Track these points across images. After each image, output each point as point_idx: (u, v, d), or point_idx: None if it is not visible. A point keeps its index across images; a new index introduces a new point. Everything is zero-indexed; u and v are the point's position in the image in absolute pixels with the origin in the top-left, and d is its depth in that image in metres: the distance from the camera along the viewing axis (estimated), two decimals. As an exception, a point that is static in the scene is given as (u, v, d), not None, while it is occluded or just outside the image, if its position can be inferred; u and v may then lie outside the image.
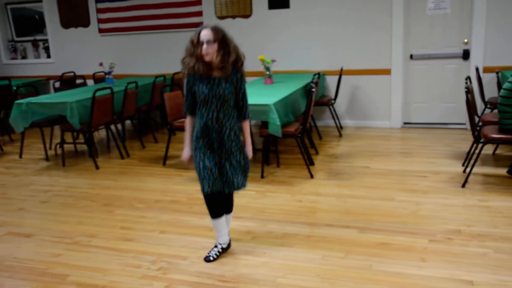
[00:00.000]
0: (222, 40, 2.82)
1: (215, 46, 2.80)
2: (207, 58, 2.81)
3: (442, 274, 2.85)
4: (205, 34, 2.79)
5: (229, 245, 3.27)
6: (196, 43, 2.83)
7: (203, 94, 2.88)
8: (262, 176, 4.79)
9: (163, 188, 4.64)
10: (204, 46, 2.78)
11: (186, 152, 3.11)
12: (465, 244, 3.21)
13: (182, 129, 5.26)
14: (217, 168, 2.96)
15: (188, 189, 4.56)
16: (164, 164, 5.43)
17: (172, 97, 5.41)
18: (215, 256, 3.15)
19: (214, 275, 2.97)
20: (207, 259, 3.14)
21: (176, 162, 5.48)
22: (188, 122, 3.08)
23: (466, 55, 6.25)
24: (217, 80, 2.87)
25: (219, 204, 3.09)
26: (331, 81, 6.79)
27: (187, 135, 3.10)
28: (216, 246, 3.21)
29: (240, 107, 3.01)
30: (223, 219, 3.15)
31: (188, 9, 7.34)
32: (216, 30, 2.82)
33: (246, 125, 3.09)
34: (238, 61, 2.91)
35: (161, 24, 7.53)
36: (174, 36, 7.47)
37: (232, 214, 3.31)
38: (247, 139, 3.11)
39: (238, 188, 3.03)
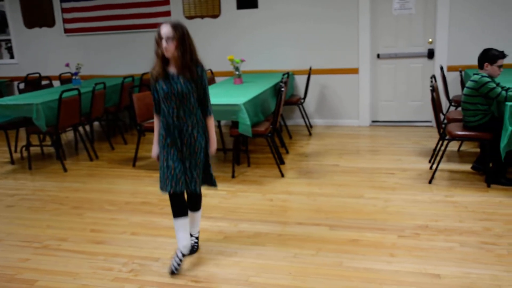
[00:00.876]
0: (181, 37, 2.78)
1: (174, 43, 2.76)
2: (167, 54, 2.79)
3: (410, 268, 2.92)
4: (165, 30, 2.76)
5: (194, 249, 3.21)
6: (158, 40, 2.80)
7: (162, 91, 2.85)
8: (233, 176, 4.80)
9: (133, 190, 4.59)
10: (164, 42, 2.76)
11: (154, 150, 3.07)
12: (432, 238, 3.30)
13: (151, 130, 5.21)
14: (180, 167, 2.92)
15: (159, 190, 4.51)
16: (134, 165, 5.37)
17: (141, 98, 5.36)
18: (177, 266, 3.00)
19: (186, 276, 2.96)
20: (171, 273, 2.99)
21: (146, 163, 5.43)
22: (155, 120, 3.05)
23: (431, 54, 6.41)
24: (176, 77, 2.84)
25: (181, 203, 2.97)
26: (300, 80, 6.86)
27: (155, 134, 3.07)
28: (177, 256, 3.03)
29: (203, 103, 2.96)
30: (185, 220, 2.99)
31: (156, 9, 7.28)
32: (175, 27, 2.78)
33: (210, 121, 3.02)
34: (193, 58, 2.86)
35: (128, 24, 7.45)
36: (142, 36, 7.40)
37: (199, 213, 3.19)
38: (211, 135, 3.04)
39: (199, 189, 2.99)
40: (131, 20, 7.41)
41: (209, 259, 3.17)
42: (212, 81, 6.83)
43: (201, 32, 7.09)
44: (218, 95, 5.04)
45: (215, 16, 7.02)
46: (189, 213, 3.12)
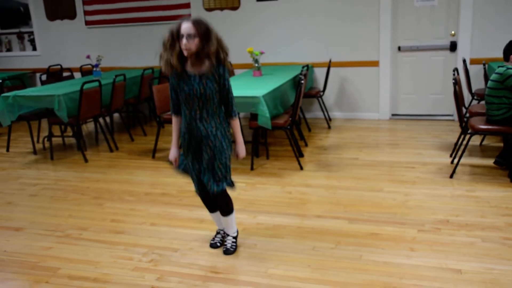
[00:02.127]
0: (204, 34, 2.63)
1: (196, 41, 2.62)
2: (186, 53, 2.64)
3: (430, 263, 2.89)
4: (186, 27, 2.60)
5: (231, 250, 3.17)
6: (176, 37, 2.65)
7: (183, 92, 2.74)
8: (252, 168, 4.80)
9: (152, 181, 4.63)
10: (184, 40, 2.60)
11: (173, 152, 3.00)
12: (453, 233, 3.26)
13: (171, 121, 5.21)
14: (201, 169, 2.89)
15: (178, 181, 4.55)
16: (153, 157, 5.41)
17: (160, 90, 5.39)
18: (220, 242, 3.24)
19: (205, 267, 2.98)
20: (213, 246, 3.22)
21: (165, 154, 5.46)
22: (174, 122, 2.96)
23: (453, 47, 6.30)
24: (198, 77, 2.71)
25: (210, 200, 3.10)
26: (320, 73, 6.81)
27: (174, 135, 2.98)
28: (218, 233, 3.29)
29: (226, 104, 2.84)
30: (217, 213, 3.16)
31: (175, 1, 7.29)
32: (198, 24, 2.62)
33: (235, 123, 2.92)
34: (221, 56, 2.72)
35: (148, 16, 7.47)
36: (162, 28, 7.39)
37: (231, 217, 3.09)
38: (237, 138, 2.95)
39: (217, 191, 2.89)
40: (151, 12, 7.43)
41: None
42: (231, 73, 6.82)
43: (221, 24, 7.08)
44: (238, 87, 5.03)
45: (235, 8, 7.00)
46: (221, 216, 3.13)
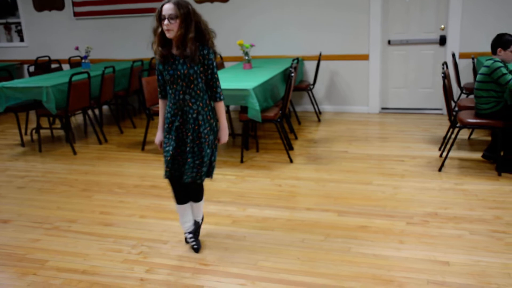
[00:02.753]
0: (185, 16, 2.57)
1: (178, 22, 2.56)
2: (168, 35, 2.59)
3: (419, 255, 2.91)
4: (167, 8, 2.56)
5: (196, 227, 3.13)
6: (158, 19, 2.61)
7: (168, 75, 2.69)
8: (242, 161, 4.80)
9: (142, 173, 4.61)
10: (166, 21, 2.56)
11: (158, 136, 2.94)
12: (441, 226, 3.28)
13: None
14: (179, 153, 2.80)
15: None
16: (142, 149, 5.39)
17: (150, 82, 5.35)
18: (197, 244, 3.08)
19: (195, 259, 2.98)
20: (196, 251, 3.06)
21: (154, 147, 5.44)
22: (160, 105, 2.91)
23: (442, 41, 6.33)
24: (181, 59, 2.66)
25: (181, 190, 2.95)
26: (310, 66, 6.81)
27: (160, 119, 2.93)
28: (188, 238, 3.11)
29: (210, 86, 2.76)
30: (187, 206, 3.03)
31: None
32: (179, 4, 2.57)
33: (220, 107, 2.82)
34: (205, 38, 2.68)
35: (138, 7, 7.40)
36: (151, 20, 7.34)
37: (201, 204, 3.09)
38: (221, 122, 2.86)
39: (197, 179, 2.81)
40: (140, 3, 7.36)
41: (217, 242, 3.18)
42: (221, 66, 6.80)
43: (211, 17, 7.02)
44: (228, 80, 5.01)
45: (225, 0, 6.96)
46: (191, 203, 3.05)
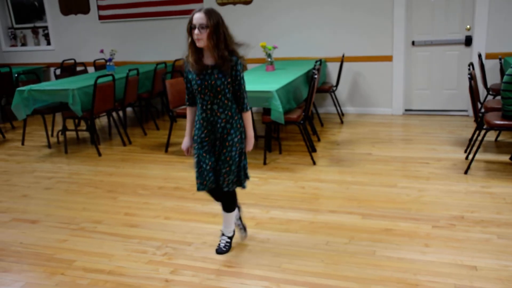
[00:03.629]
0: (215, 26, 2.58)
1: (208, 32, 2.57)
2: (198, 44, 2.60)
3: (445, 259, 2.87)
4: (198, 17, 2.57)
5: (224, 250, 3.11)
6: (189, 28, 2.62)
7: (196, 84, 2.70)
8: (265, 163, 4.80)
9: (165, 175, 4.65)
10: (196, 31, 2.57)
11: (185, 142, 2.97)
12: (468, 230, 3.23)
13: (183, 116, 5.26)
14: (210, 164, 2.81)
15: (191, 175, 4.57)
16: (166, 151, 5.44)
17: (173, 84, 5.40)
18: (225, 248, 3.10)
19: (219, 261, 2.99)
20: (219, 251, 3.08)
21: (178, 149, 5.48)
22: (188, 112, 2.94)
23: (468, 41, 6.22)
24: (210, 69, 2.67)
25: (219, 197, 3.01)
26: (333, 68, 6.78)
27: (187, 126, 2.97)
28: (223, 235, 3.16)
29: (238, 97, 2.77)
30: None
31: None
32: (209, 14, 2.58)
33: (246, 117, 2.84)
34: (233, 48, 2.70)
35: (161, 10, 7.48)
36: (174, 22, 7.43)
37: (232, 214, 3.05)
38: (247, 132, 2.86)
39: (227, 188, 2.85)
40: (164, 6, 7.44)
41: (241, 244, 3.19)
42: (245, 67, 6.81)
43: (234, 19, 7.07)
44: (251, 82, 5.03)
45: (248, 2, 6.98)
46: (222, 212, 3.05)
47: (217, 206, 3.75)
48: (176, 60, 7.11)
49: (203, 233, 3.38)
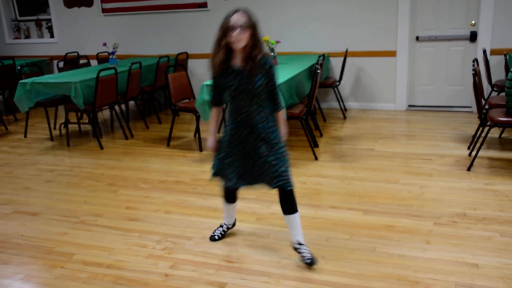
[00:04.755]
0: (255, 26, 2.55)
1: (247, 33, 2.52)
2: (238, 45, 2.53)
3: (446, 256, 2.85)
4: (238, 18, 2.51)
5: (233, 225, 3.27)
6: (225, 29, 2.53)
7: (231, 88, 2.62)
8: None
9: (167, 169, 4.64)
10: (237, 31, 2.49)
11: (211, 141, 2.89)
12: (470, 227, 3.21)
13: (186, 110, 5.25)
14: (247, 164, 2.75)
15: (192, 170, 4.56)
16: (168, 145, 5.43)
17: (176, 78, 5.39)
18: (220, 236, 3.19)
19: (219, 255, 2.99)
20: (212, 238, 3.17)
21: (179, 143, 5.47)
22: (214, 113, 2.87)
23: (473, 37, 6.17)
24: (247, 72, 2.59)
25: (236, 193, 3.04)
26: (336, 62, 6.74)
27: (212, 125, 2.89)
28: (221, 226, 3.23)
29: (273, 97, 2.72)
30: (235, 204, 3.12)
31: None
32: (248, 14, 2.55)
33: (280, 115, 2.80)
34: (263, 50, 2.64)
35: (165, 4, 7.45)
36: (178, 16, 7.40)
37: (298, 217, 2.83)
38: (281, 129, 2.81)
39: (286, 186, 2.71)
40: (167, 0, 7.40)
41: (242, 239, 3.18)
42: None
43: (237, 13, 7.05)
44: (253, 76, 5.00)
45: (251, -4, 6.94)
46: (285, 216, 2.84)
47: (218, 201, 3.76)
48: (179, 54, 7.08)
49: (203, 227, 3.37)
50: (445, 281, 2.60)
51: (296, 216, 2.82)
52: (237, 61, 2.63)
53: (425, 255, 2.88)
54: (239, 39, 2.51)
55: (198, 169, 4.56)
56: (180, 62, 6.97)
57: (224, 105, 2.91)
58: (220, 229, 3.23)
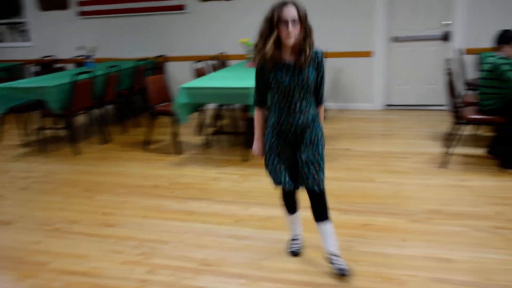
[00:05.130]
0: (305, 18, 2.39)
1: (299, 27, 2.37)
2: (290, 41, 2.37)
3: (422, 252, 2.89)
4: (290, 11, 2.33)
5: (344, 271, 2.72)
6: (276, 22, 2.36)
7: (283, 84, 2.45)
8: (245, 160, 4.78)
9: (144, 173, 4.60)
10: (290, 26, 2.33)
11: (259, 146, 2.72)
12: (445, 223, 3.25)
13: (164, 113, 5.22)
14: (294, 162, 2.60)
15: (170, 173, 4.53)
16: (145, 148, 5.38)
17: (155, 81, 5.35)
18: (298, 248, 2.98)
19: (196, 259, 2.97)
20: (294, 254, 2.95)
21: (157, 146, 5.44)
22: (259, 115, 2.68)
23: (447, 37, 6.27)
24: (298, 66, 2.44)
25: (295, 199, 2.86)
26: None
27: (259, 129, 2.70)
28: (294, 239, 3.02)
29: (318, 91, 2.58)
30: (298, 214, 2.94)
31: (169, -9, 7.22)
32: (298, 6, 2.37)
33: (321, 110, 2.65)
34: (313, 42, 2.50)
35: (142, 6, 7.40)
36: (156, 19, 7.36)
37: (329, 225, 2.67)
38: (321, 126, 2.67)
39: (320, 188, 2.58)
40: (145, 2, 7.35)
41: (220, 242, 3.17)
42: (223, 65, 6.78)
43: (215, 14, 7.04)
44: (231, 79, 5.00)
45: (228, -2, 6.94)
46: (317, 224, 2.70)
47: (194, 204, 3.75)
48: (157, 57, 7.04)
49: (180, 231, 3.35)
50: (419, 277, 2.64)
51: (331, 225, 2.68)
52: (286, 55, 2.47)
53: (401, 252, 2.91)
54: (292, 33, 2.35)
55: (176, 173, 4.54)
56: (158, 65, 6.94)
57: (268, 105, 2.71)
58: (298, 242, 3.00)
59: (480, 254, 2.84)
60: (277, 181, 2.63)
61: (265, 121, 2.67)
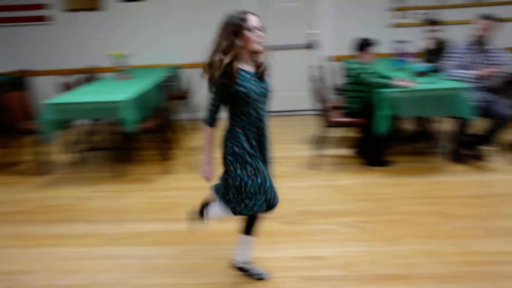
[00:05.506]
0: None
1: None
2: (259, 47, 2.37)
3: (294, 253, 2.98)
4: (257, 19, 2.36)
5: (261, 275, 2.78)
6: (245, 29, 2.32)
7: (251, 93, 2.36)
8: (118, 176, 4.58)
9: (6, 198, 4.20)
10: (261, 33, 2.36)
11: (209, 169, 2.58)
12: (316, 222, 3.40)
13: (29, 132, 4.81)
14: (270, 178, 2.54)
15: (36, 196, 4.19)
16: (7, 171, 4.92)
17: (18, 98, 4.94)
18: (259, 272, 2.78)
19: (63, 286, 2.76)
20: (258, 278, 2.75)
21: (21, 168, 5.01)
22: (210, 134, 2.52)
23: (314, 45, 6.63)
24: (255, 74, 2.43)
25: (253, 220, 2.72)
26: (187, 74, 6.73)
27: (209, 151, 2.54)
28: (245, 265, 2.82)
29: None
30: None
31: (31, 1, 6.71)
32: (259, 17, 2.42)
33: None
34: None
35: (3, 16, 6.78)
36: (16, 30, 6.80)
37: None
38: None
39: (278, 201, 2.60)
40: (6, 12, 6.74)
41: (91, 265, 2.99)
42: (91, 78, 6.48)
43: (85, 26, 6.73)
44: (99, 93, 4.78)
45: (99, 9, 6.66)
46: (245, 237, 2.70)
47: (64, 227, 3.51)
48: (20, 71, 6.51)
49: (47, 258, 3.10)
50: (292, 277, 2.72)
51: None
52: (252, 65, 2.45)
53: (273, 254, 2.98)
54: (261, 40, 2.37)
55: (43, 195, 4.21)
56: (18, 80, 6.41)
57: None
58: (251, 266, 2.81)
59: (348, 249, 3.01)
60: (253, 207, 2.49)
61: (229, 139, 2.52)
